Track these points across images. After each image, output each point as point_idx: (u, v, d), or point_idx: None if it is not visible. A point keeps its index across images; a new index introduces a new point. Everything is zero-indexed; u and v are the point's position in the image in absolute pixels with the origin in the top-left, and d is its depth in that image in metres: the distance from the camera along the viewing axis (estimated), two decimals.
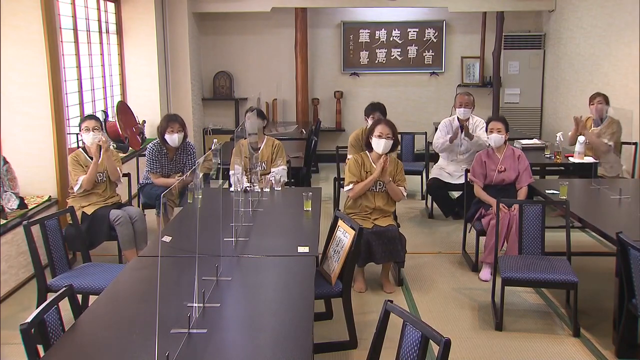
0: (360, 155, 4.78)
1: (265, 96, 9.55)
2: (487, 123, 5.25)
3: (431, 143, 6.66)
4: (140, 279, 3.14)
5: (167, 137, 5.30)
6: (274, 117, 9.63)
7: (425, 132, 7.69)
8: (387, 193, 4.69)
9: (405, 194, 4.74)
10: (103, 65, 7.55)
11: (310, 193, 4.46)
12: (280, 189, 4.99)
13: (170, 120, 5.33)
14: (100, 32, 7.47)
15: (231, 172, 4.91)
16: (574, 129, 6.39)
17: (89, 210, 4.84)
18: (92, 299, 3.73)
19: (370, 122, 5.79)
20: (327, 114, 9.82)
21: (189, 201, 4.56)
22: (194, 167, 5.31)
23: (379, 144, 4.58)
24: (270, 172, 5.29)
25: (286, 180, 5.42)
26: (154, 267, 3.16)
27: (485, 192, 5.11)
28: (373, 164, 4.68)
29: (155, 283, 2.83)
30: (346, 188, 4.71)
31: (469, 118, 6.28)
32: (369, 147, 4.72)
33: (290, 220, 4.27)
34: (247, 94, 9.66)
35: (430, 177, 6.58)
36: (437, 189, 6.38)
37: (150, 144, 5.52)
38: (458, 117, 6.26)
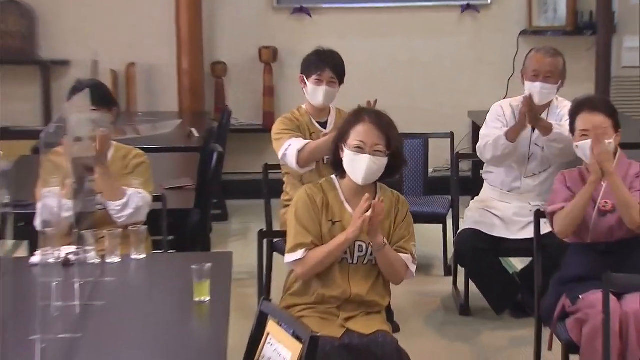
0: (320, 186, 2.93)
1: (110, 59, 6.05)
2: (574, 112, 3.20)
3: (461, 155, 4.44)
4: None
5: None
6: (129, 103, 6.21)
7: (451, 133, 4.72)
8: (376, 267, 2.82)
9: (413, 269, 2.89)
10: None
11: (209, 265, 2.88)
12: (142, 256, 2.92)
13: None
14: None
15: (39, 203, 3.10)
16: None
17: None
18: None
19: (309, 86, 3.64)
20: (244, 96, 6.32)
21: None
22: None
23: (359, 167, 2.82)
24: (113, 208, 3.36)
25: (143, 219, 3.39)
26: None
27: (579, 256, 3.06)
28: (346, 205, 2.87)
29: None
30: (291, 257, 2.84)
31: (551, 101, 3.96)
32: (339, 170, 2.84)
33: (163, 327, 2.68)
34: (68, 54, 6.08)
35: (462, 227, 4.26)
36: (478, 253, 4.07)
37: None
38: (525, 98, 3.87)
